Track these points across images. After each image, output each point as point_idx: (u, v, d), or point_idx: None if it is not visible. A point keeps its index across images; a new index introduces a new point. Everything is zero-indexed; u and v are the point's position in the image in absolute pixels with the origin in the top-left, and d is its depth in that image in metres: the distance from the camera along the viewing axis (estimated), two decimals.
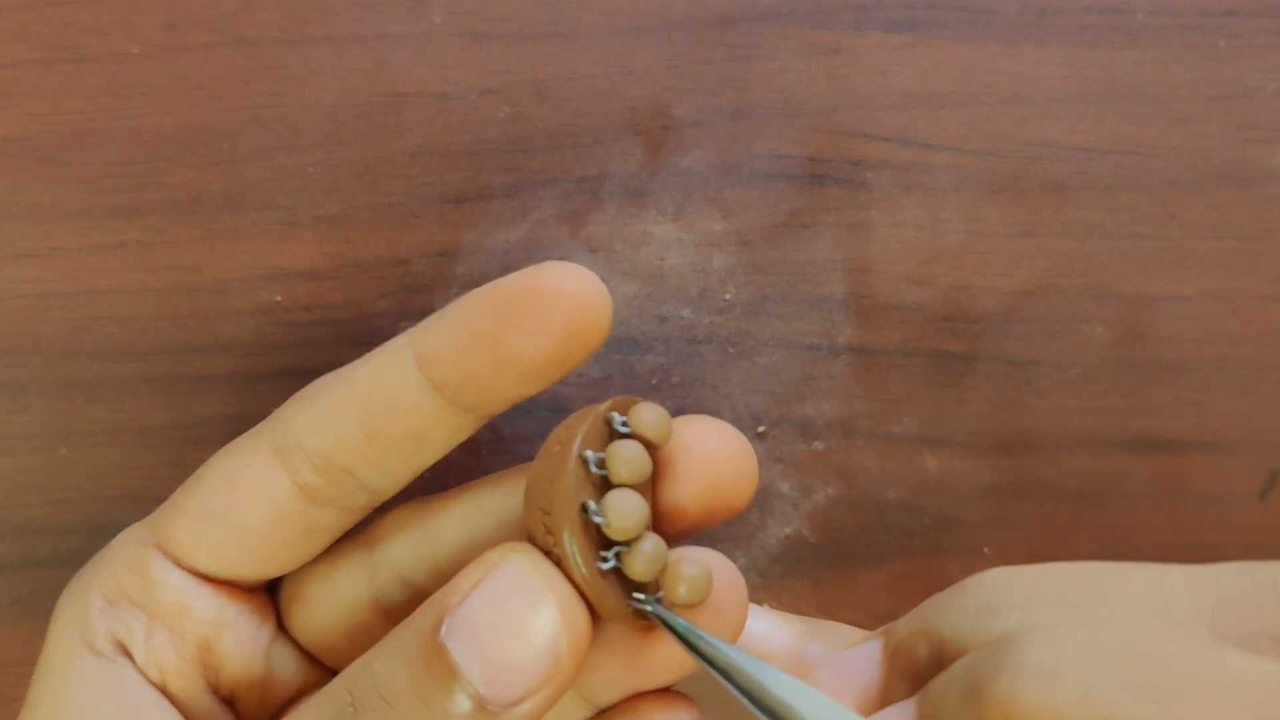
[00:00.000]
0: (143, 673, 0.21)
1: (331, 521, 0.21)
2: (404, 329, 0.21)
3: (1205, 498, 0.28)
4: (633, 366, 0.28)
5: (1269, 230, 0.28)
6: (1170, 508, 0.28)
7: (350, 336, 0.27)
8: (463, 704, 0.16)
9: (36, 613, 0.27)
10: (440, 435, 0.20)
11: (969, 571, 0.20)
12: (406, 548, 0.22)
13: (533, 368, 0.19)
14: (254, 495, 0.20)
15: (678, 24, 0.28)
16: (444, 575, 0.21)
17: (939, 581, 0.24)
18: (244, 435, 0.21)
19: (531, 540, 0.18)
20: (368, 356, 0.21)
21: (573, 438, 0.18)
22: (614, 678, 0.20)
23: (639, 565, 0.18)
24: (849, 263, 0.28)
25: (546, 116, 0.28)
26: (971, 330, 0.28)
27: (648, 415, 0.19)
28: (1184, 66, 0.28)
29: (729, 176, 0.28)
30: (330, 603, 0.22)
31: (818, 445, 0.28)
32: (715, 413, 0.22)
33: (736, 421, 0.27)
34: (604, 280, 0.28)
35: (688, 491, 0.19)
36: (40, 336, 0.27)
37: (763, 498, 0.28)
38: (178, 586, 0.21)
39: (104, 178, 0.27)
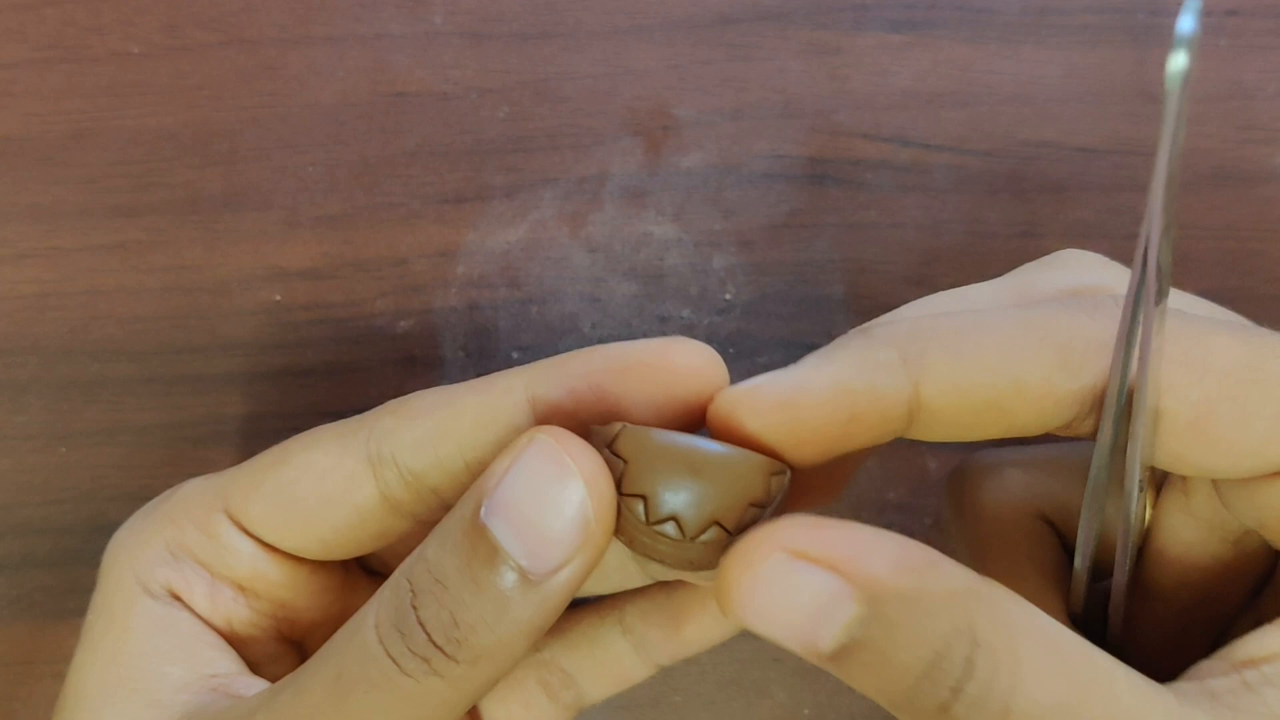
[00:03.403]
0: (203, 619, 0.22)
1: (405, 530, 0.22)
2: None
3: None
4: None
5: (1269, 230, 0.28)
6: None
7: (350, 336, 0.27)
8: (508, 577, 0.18)
9: (36, 612, 0.27)
10: None
11: None
12: None
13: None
14: (340, 497, 0.21)
15: (678, 24, 0.28)
16: None
17: None
18: (331, 429, 0.22)
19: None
20: (476, 386, 0.21)
21: None
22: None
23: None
24: (849, 263, 0.28)
25: (546, 116, 0.28)
26: None
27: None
28: None
29: (729, 176, 0.28)
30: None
31: None
32: None
33: None
34: (604, 280, 0.28)
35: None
36: (40, 336, 0.27)
37: None
38: (249, 554, 0.22)
39: (104, 178, 0.27)
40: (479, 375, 0.27)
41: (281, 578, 0.22)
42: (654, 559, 0.18)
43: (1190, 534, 0.21)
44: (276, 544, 0.22)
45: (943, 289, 0.28)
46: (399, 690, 0.18)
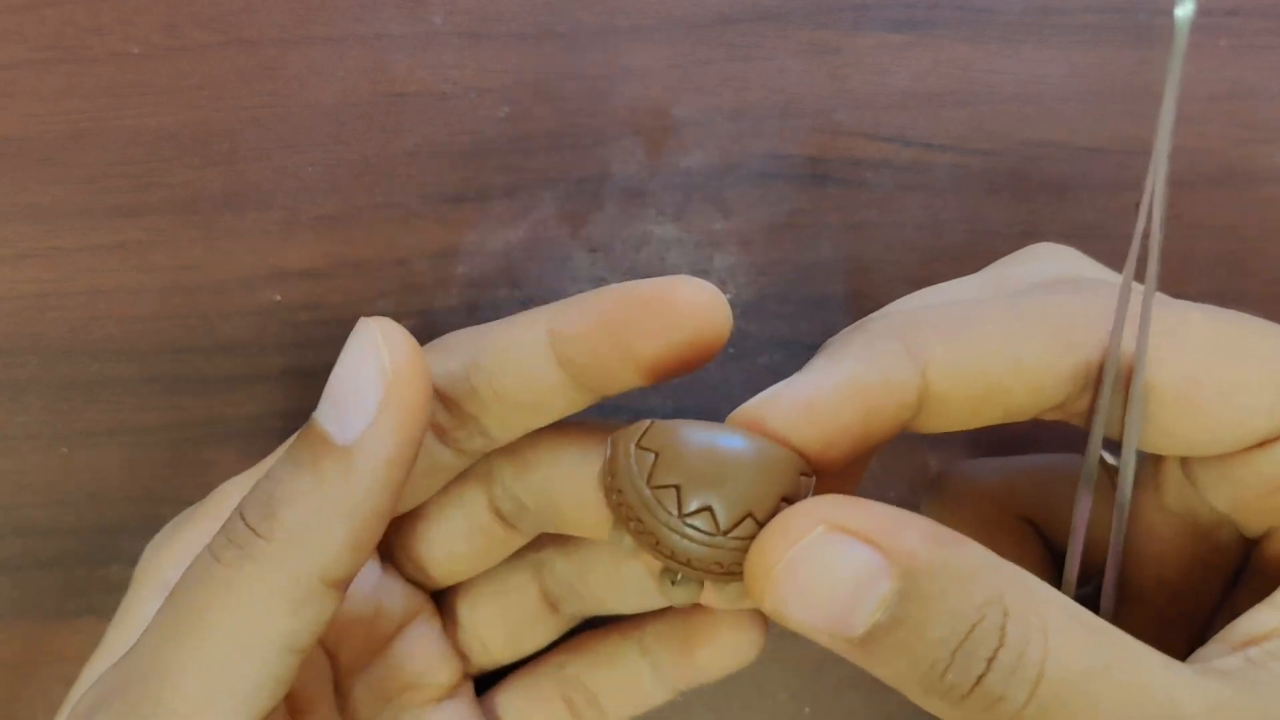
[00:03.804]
0: None
1: (450, 463, 0.22)
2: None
3: None
4: None
5: (1270, 231, 0.28)
6: None
7: None
8: (319, 448, 0.18)
9: (36, 613, 0.27)
10: (558, 405, 0.21)
11: None
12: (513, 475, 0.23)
13: (649, 364, 0.20)
14: None
15: (678, 24, 0.28)
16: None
17: None
18: None
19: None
20: (503, 322, 0.22)
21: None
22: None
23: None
24: (850, 263, 0.28)
25: (546, 116, 0.28)
26: None
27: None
28: (1185, 66, 0.28)
29: (729, 176, 0.28)
30: (451, 531, 0.23)
31: None
32: (715, 414, 0.22)
33: None
34: (604, 280, 0.28)
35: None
36: (40, 336, 0.27)
37: None
38: None
39: (104, 178, 0.27)
40: None
41: None
42: (679, 562, 0.18)
43: (1165, 530, 0.21)
44: None
45: None
46: (221, 584, 0.18)
